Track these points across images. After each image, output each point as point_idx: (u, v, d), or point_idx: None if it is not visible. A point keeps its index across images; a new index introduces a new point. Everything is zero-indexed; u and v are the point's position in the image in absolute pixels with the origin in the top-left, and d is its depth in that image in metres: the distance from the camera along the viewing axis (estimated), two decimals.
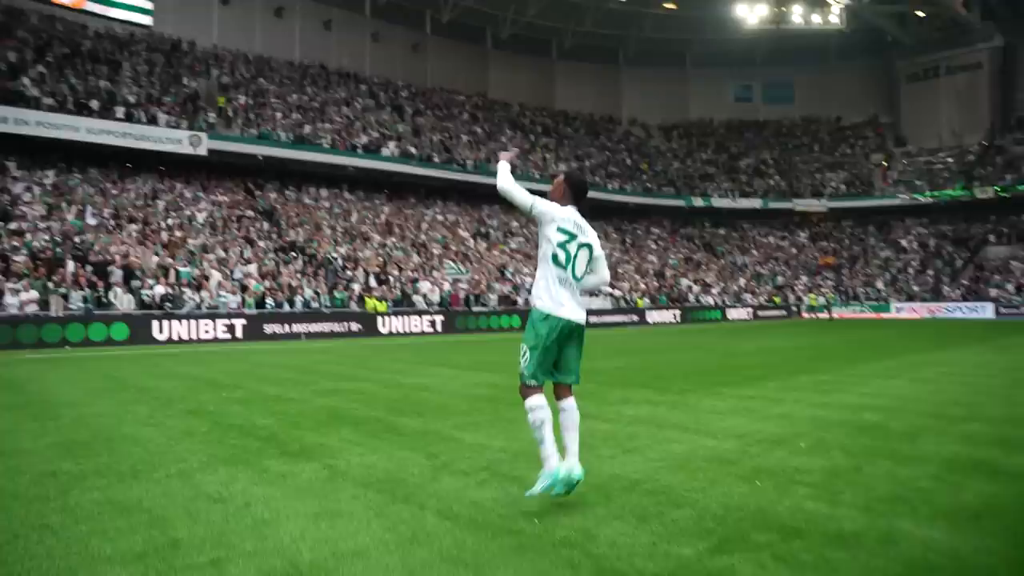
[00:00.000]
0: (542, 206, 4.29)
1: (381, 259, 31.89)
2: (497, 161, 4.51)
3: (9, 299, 19.95)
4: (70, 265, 22.35)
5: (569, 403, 4.29)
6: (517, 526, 3.88)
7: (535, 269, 5.59)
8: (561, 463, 4.15)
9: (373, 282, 29.14)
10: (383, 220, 37.57)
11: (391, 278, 29.97)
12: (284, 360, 15.53)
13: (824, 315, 41.58)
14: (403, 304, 28.31)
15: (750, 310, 41.29)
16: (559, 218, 4.27)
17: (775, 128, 61.75)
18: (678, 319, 37.10)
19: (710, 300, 41.58)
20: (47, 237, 24.05)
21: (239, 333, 22.54)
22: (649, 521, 3.94)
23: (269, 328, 23.80)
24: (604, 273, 4.47)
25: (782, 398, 8.65)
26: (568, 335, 4.23)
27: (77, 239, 24.41)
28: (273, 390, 9.82)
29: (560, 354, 4.26)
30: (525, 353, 4.18)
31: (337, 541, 3.67)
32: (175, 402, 8.81)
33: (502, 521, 3.97)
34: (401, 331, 26.54)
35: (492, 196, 44.25)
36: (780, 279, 48.97)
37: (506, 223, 44.06)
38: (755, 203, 53.54)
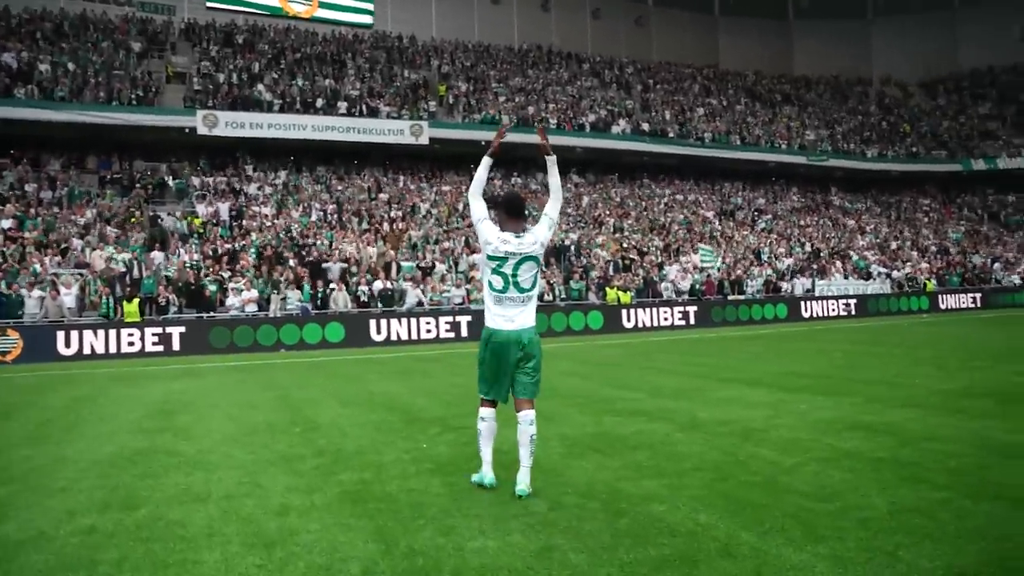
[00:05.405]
0: (482, 233, 4.35)
1: (621, 244, 27.89)
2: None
3: (231, 299, 18.59)
4: (289, 263, 20.86)
5: (523, 415, 4.11)
6: None
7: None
8: (489, 472, 4.24)
9: (612, 270, 25.20)
10: (617, 202, 33.63)
11: (632, 265, 25.86)
12: None
13: None
14: (647, 294, 24.09)
15: None
16: (490, 245, 4.25)
17: None
18: (978, 303, 29.31)
19: (1016, 280, 32.64)
20: (272, 235, 22.98)
21: (464, 332, 19.48)
22: None
23: None
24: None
25: None
26: (506, 347, 4.13)
27: (299, 236, 23.11)
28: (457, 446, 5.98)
29: (506, 369, 4.14)
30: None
31: None
32: (290, 472, 5.11)
33: None
34: (648, 325, 22.27)
35: (733, 172, 39.27)
36: None
37: (752, 200, 38.16)
38: None
